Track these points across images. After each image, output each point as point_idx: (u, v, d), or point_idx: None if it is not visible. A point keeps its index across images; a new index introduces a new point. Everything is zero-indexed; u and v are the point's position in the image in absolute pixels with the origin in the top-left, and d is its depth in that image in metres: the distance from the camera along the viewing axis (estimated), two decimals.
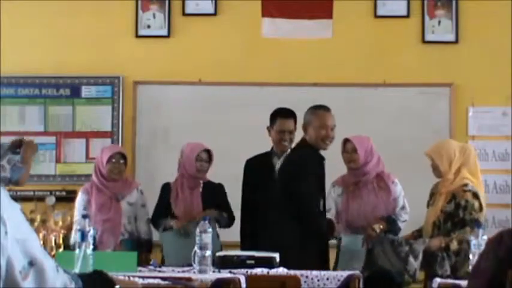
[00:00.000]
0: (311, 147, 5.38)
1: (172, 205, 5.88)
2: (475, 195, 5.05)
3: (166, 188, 5.98)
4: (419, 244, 5.02)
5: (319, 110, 5.49)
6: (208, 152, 5.95)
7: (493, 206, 6.61)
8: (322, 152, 5.46)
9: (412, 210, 5.75)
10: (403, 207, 5.72)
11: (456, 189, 5.06)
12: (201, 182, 5.94)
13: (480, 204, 5.05)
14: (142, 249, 5.82)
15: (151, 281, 3.22)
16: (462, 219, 5.01)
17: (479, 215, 5.03)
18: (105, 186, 5.98)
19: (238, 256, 4.54)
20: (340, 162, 5.79)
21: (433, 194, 5.24)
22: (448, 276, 4.87)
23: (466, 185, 5.06)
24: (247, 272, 4.21)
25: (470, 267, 4.88)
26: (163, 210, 5.90)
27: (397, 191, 5.71)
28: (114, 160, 5.98)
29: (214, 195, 5.88)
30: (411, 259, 4.92)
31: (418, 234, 5.34)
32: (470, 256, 4.65)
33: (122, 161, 6.03)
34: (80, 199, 6.02)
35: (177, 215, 5.86)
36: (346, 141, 5.72)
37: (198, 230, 4.10)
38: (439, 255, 4.98)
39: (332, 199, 5.75)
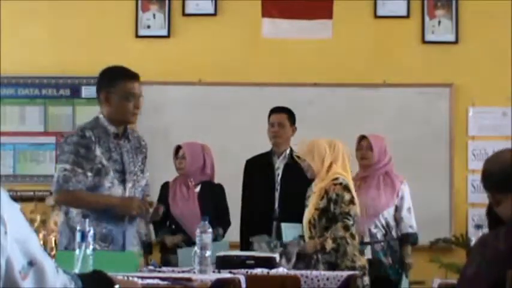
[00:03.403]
0: None
1: (170, 205, 5.86)
2: (346, 188, 4.96)
3: (165, 187, 5.97)
4: (294, 246, 4.94)
5: None
6: None
7: None
8: None
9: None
10: (409, 210, 5.72)
11: (328, 185, 4.98)
12: (192, 181, 5.89)
13: (352, 197, 4.96)
14: (143, 252, 5.81)
15: (150, 281, 3.22)
16: (334, 213, 4.93)
17: (350, 207, 4.93)
18: None
19: (238, 256, 4.54)
20: None
21: (309, 196, 5.14)
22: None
23: (336, 178, 4.98)
24: (247, 272, 4.20)
25: (349, 261, 4.87)
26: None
27: (404, 190, 5.72)
28: None
29: (212, 196, 5.86)
30: (283, 261, 4.79)
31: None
32: (348, 250, 4.73)
33: None
34: None
35: (175, 214, 5.85)
36: (362, 138, 5.75)
37: (198, 230, 4.10)
38: (313, 258, 4.91)
39: None
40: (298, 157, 5.15)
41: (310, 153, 5.05)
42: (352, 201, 4.95)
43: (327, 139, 5.15)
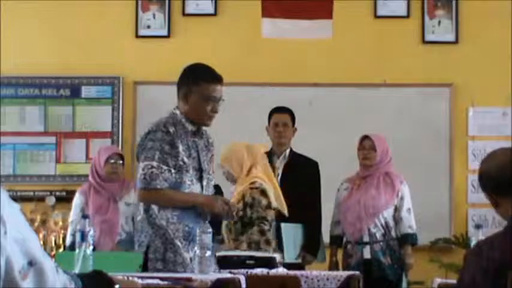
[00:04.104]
0: None
1: None
2: (263, 193, 4.85)
3: None
4: None
5: None
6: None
7: None
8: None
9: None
10: (409, 210, 5.71)
11: (245, 188, 4.88)
12: None
13: (269, 202, 4.86)
14: None
15: (150, 281, 3.22)
16: (250, 218, 4.85)
17: (267, 212, 4.84)
18: (103, 187, 5.97)
19: (238, 256, 4.54)
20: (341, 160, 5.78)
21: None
22: None
23: (253, 182, 4.88)
24: (247, 272, 4.20)
25: None
26: None
27: (404, 190, 5.72)
28: (112, 161, 5.98)
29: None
30: None
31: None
32: None
33: (120, 162, 6.03)
34: (78, 200, 6.01)
35: None
36: (364, 138, 5.75)
37: (198, 230, 4.10)
38: None
39: (338, 193, 5.87)
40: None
41: (228, 160, 4.98)
42: (269, 206, 4.85)
43: (245, 143, 5.06)
